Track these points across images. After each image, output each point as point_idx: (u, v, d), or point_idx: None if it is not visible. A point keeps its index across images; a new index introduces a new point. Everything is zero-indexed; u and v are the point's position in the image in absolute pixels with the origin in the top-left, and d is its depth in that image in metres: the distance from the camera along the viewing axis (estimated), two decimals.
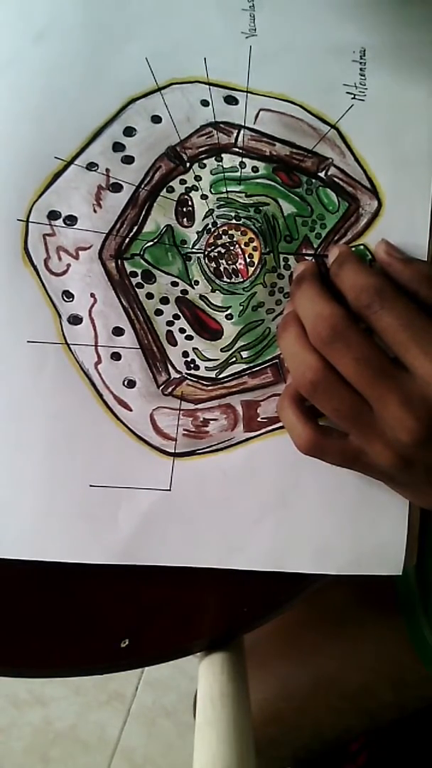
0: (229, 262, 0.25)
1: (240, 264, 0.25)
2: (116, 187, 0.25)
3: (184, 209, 0.25)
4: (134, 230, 0.25)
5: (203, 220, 0.25)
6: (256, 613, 0.26)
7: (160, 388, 0.25)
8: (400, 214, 0.25)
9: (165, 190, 0.25)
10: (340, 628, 0.40)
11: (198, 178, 0.25)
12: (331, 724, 0.39)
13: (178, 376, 0.25)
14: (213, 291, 0.25)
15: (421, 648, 0.37)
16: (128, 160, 0.25)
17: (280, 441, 0.25)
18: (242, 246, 0.25)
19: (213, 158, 0.25)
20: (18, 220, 0.24)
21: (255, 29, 0.25)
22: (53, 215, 0.24)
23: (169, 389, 0.25)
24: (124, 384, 0.25)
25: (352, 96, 0.25)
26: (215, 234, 0.25)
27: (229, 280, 0.25)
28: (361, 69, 0.25)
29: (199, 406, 0.25)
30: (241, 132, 0.25)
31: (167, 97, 0.25)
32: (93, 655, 0.26)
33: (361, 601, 0.40)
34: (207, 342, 0.25)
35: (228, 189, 0.25)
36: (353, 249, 0.24)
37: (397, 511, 0.25)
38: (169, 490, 0.25)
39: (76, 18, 0.24)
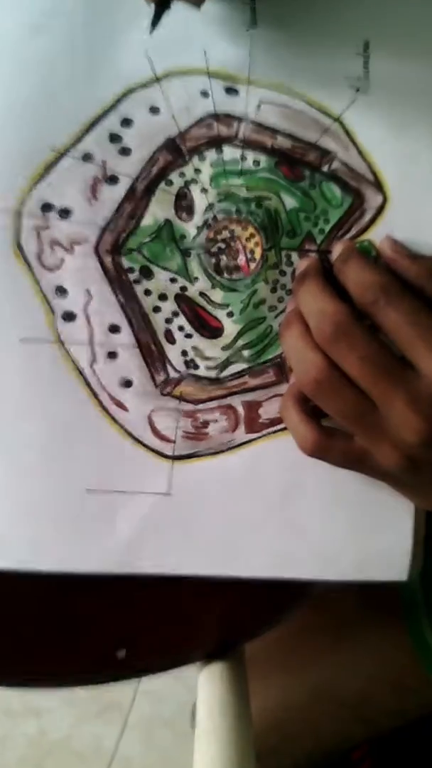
0: (230, 258, 0.25)
1: (241, 260, 0.25)
2: (113, 180, 0.24)
3: (184, 203, 0.24)
4: (132, 224, 0.24)
5: (203, 214, 0.24)
6: (257, 622, 0.26)
7: (158, 387, 0.25)
8: (406, 209, 0.25)
9: (163, 183, 0.24)
10: (341, 635, 0.39)
11: (198, 170, 0.24)
12: (333, 732, 0.39)
13: (176, 375, 0.25)
14: (213, 287, 0.25)
15: (424, 652, 0.37)
16: (125, 151, 0.24)
17: (283, 443, 0.25)
18: (243, 241, 0.25)
19: (213, 150, 0.24)
20: (10, 212, 0.23)
21: (256, 21, 0.24)
22: (47, 207, 0.24)
23: (168, 389, 0.25)
24: (120, 384, 0.24)
25: (356, 89, 0.25)
26: (215, 229, 0.24)
27: (229, 277, 0.25)
28: (364, 62, 0.25)
29: (199, 406, 0.25)
30: (242, 124, 0.24)
31: (166, 88, 0.24)
32: (89, 665, 0.25)
33: (362, 606, 0.40)
34: (207, 340, 0.25)
35: (229, 182, 0.24)
36: (357, 245, 0.24)
37: (402, 515, 0.25)
38: (169, 494, 0.24)
39: (73, 7, 0.24)
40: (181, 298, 0.25)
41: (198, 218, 0.24)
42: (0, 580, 0.24)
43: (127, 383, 0.24)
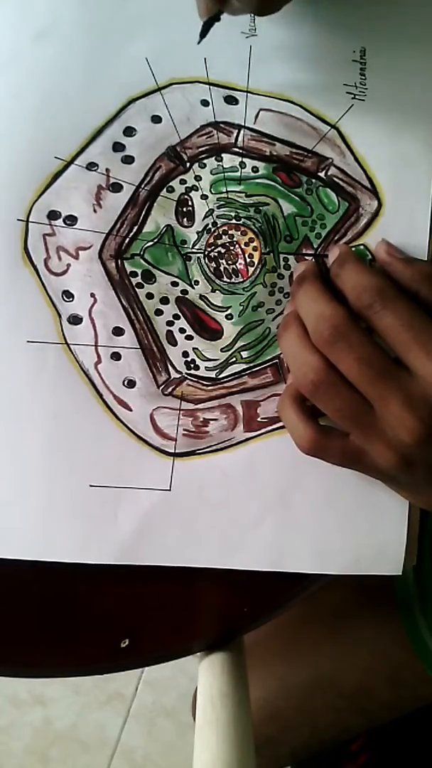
0: (229, 262, 0.25)
1: (240, 264, 0.25)
2: (116, 187, 0.25)
3: (184, 209, 0.25)
4: (134, 230, 0.25)
5: (203, 220, 0.25)
6: (256, 613, 0.26)
7: (160, 388, 0.25)
8: (400, 214, 0.25)
9: (165, 190, 0.25)
10: (339, 627, 0.40)
11: (198, 178, 0.25)
12: (330, 723, 0.40)
13: (178, 376, 0.25)
14: (213, 291, 0.25)
15: (419, 647, 0.37)
16: (128, 160, 0.25)
17: (280, 441, 0.25)
18: (242, 246, 0.25)
19: (213, 158, 0.25)
20: (18, 220, 0.24)
21: (255, 29, 0.25)
22: (53, 215, 0.24)
23: (169, 389, 0.25)
24: (124, 384, 0.25)
25: (352, 96, 0.25)
26: (215, 234, 0.25)
27: (229, 280, 0.25)
28: (361, 69, 0.25)
29: (199, 406, 0.25)
30: (241, 132, 0.25)
31: (167, 97, 0.25)
32: (93, 655, 0.26)
33: (360, 601, 0.40)
34: (207, 342, 0.25)
35: (228, 189, 0.25)
36: (353, 249, 0.24)
37: (397, 512, 0.25)
38: (169, 490, 0.25)
39: (76, 17, 0.24)
40: (182, 301, 0.25)
41: (198, 224, 0.25)
42: (7, 570, 0.25)
43: (131, 383, 0.25)
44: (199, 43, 0.23)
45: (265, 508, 0.25)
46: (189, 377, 0.25)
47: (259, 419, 0.26)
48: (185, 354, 0.25)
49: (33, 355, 0.24)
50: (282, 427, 0.25)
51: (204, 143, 0.25)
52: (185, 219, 0.25)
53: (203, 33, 0.23)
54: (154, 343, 0.25)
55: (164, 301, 0.25)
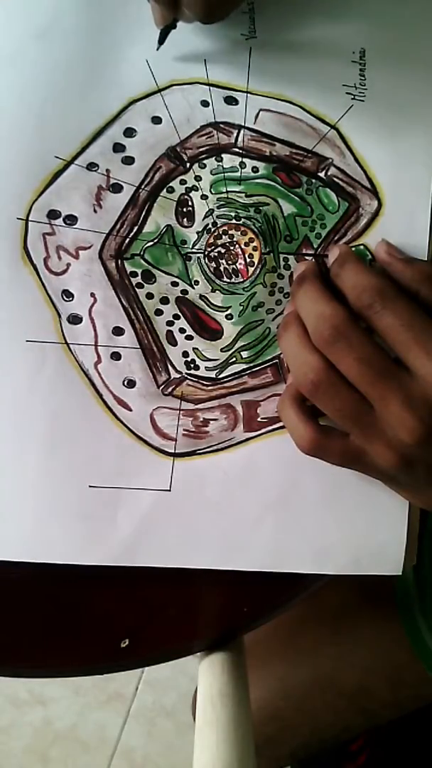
0: (229, 262, 0.25)
1: (240, 264, 0.25)
2: (116, 188, 0.25)
3: (184, 209, 0.25)
4: (134, 230, 0.25)
5: (203, 220, 0.25)
6: (256, 613, 0.26)
7: (160, 388, 0.25)
8: (400, 214, 0.25)
9: (165, 190, 0.25)
10: (339, 627, 0.40)
11: (198, 178, 0.25)
12: (330, 722, 0.40)
13: (178, 376, 0.25)
14: (213, 291, 0.25)
15: (419, 647, 0.37)
16: (128, 160, 0.25)
17: (280, 441, 0.25)
18: (242, 246, 0.25)
19: (213, 158, 0.25)
20: (18, 218, 0.24)
21: (255, 31, 0.25)
22: (53, 214, 0.24)
23: (169, 389, 0.25)
24: (124, 384, 0.25)
25: (352, 96, 0.25)
26: (215, 234, 0.25)
27: (229, 280, 0.25)
28: (360, 69, 0.25)
29: (199, 406, 0.25)
30: (241, 132, 0.25)
31: (167, 98, 0.25)
32: (93, 655, 0.26)
33: (360, 601, 0.40)
34: (207, 342, 0.25)
35: (228, 189, 0.25)
36: (353, 249, 0.24)
37: (397, 512, 0.25)
38: (169, 490, 0.25)
39: (77, 18, 0.24)
40: (182, 301, 0.25)
41: (198, 224, 0.25)
42: (7, 571, 0.25)
43: (131, 383, 0.25)
44: (158, 49, 0.24)
45: (265, 508, 0.25)
46: (189, 377, 0.25)
47: (259, 419, 0.26)
48: (185, 354, 0.25)
49: (32, 355, 0.24)
50: (282, 427, 0.25)
51: (204, 143, 0.25)
52: (185, 219, 0.25)
53: (161, 40, 0.24)
54: (154, 343, 0.25)
55: (164, 301, 0.25)
